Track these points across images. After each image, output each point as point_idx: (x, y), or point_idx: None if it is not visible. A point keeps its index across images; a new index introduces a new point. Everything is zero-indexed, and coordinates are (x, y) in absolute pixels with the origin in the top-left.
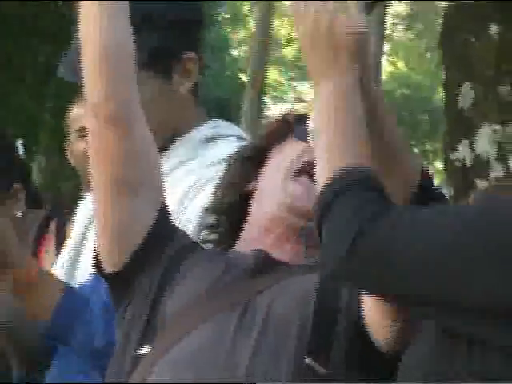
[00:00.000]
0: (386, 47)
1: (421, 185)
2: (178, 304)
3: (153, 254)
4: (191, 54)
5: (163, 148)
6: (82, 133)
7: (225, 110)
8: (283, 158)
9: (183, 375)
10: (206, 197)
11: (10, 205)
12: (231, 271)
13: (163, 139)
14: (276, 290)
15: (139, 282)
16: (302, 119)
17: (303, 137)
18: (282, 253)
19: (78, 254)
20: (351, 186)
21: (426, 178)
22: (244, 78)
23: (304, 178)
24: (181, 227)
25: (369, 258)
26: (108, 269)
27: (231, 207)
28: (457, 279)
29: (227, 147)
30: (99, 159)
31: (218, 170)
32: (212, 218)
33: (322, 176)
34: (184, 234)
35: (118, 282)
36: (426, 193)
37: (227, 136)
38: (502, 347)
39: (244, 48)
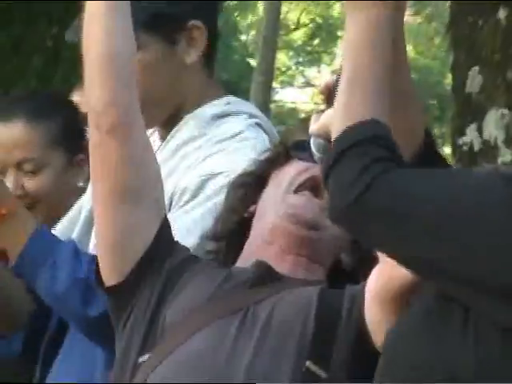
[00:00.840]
0: None
1: (425, 142)
2: (178, 313)
3: (154, 266)
4: (198, 23)
5: (173, 123)
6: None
7: (233, 94)
8: (284, 175)
9: (182, 378)
10: (206, 166)
11: (73, 173)
12: (231, 281)
13: (169, 110)
14: (276, 299)
15: (140, 293)
16: (301, 144)
17: (304, 159)
18: (283, 265)
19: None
20: (364, 141)
21: (430, 137)
22: (253, 62)
23: (305, 192)
24: (176, 197)
25: (372, 211)
26: (109, 282)
27: (231, 233)
28: (459, 244)
29: (238, 124)
30: (101, 168)
31: (226, 146)
32: (212, 245)
33: (338, 125)
34: (184, 247)
35: (119, 294)
36: (429, 151)
37: (238, 113)
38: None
39: (252, 33)
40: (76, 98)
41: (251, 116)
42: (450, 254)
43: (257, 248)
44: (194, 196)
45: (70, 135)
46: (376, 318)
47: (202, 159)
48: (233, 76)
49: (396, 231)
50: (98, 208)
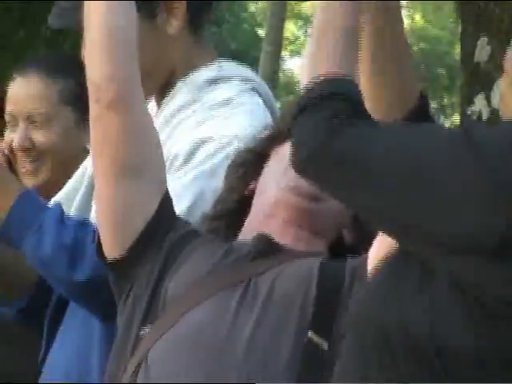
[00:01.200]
0: (404, 1)
1: (419, 104)
2: (179, 286)
3: (156, 240)
4: None
5: (166, 90)
6: None
7: (241, 63)
8: (285, 150)
9: (183, 350)
10: (198, 132)
11: (81, 134)
12: (233, 254)
13: (159, 81)
14: (278, 271)
15: (141, 267)
16: None
17: None
18: (285, 238)
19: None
20: (327, 95)
21: (425, 99)
22: (261, 32)
23: None
24: (168, 163)
25: (330, 161)
26: (110, 255)
27: (231, 212)
28: (406, 194)
29: (230, 89)
30: (102, 142)
31: (219, 112)
32: (212, 224)
33: (305, 78)
34: (185, 222)
35: (120, 268)
36: (421, 113)
37: (230, 78)
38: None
39: (261, 3)
40: None
41: (245, 80)
42: (397, 204)
43: (258, 223)
44: (185, 161)
45: (80, 97)
46: None
47: (194, 125)
48: (241, 46)
49: (349, 180)
50: (98, 182)
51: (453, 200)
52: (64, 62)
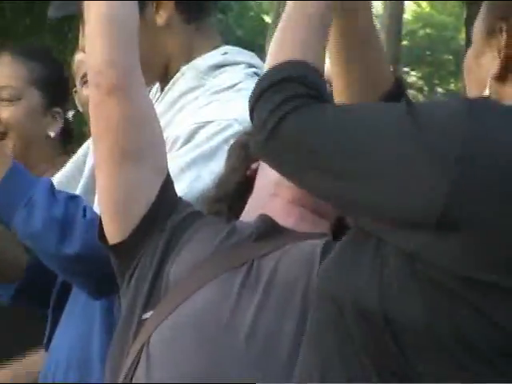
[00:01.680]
0: None
1: (393, 87)
2: (181, 269)
3: (157, 224)
4: None
5: (168, 76)
6: (86, 79)
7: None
8: None
9: (185, 334)
10: (198, 115)
11: (47, 121)
12: (235, 236)
13: (157, 72)
14: (281, 253)
15: (144, 251)
16: None
17: None
18: (288, 218)
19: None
20: (285, 79)
21: (400, 82)
22: (267, 19)
23: None
24: (168, 146)
25: (282, 143)
26: (112, 240)
27: (233, 193)
28: (353, 173)
29: (236, 75)
30: (102, 127)
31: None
32: (214, 207)
33: (268, 62)
34: (187, 204)
35: (123, 252)
36: (396, 95)
37: (236, 63)
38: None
39: None
40: (80, 56)
41: (249, 66)
42: (343, 182)
43: (261, 203)
44: (185, 144)
45: (51, 87)
46: None
47: (197, 110)
48: (248, 33)
49: (301, 162)
50: (99, 167)
51: (394, 174)
52: (40, 51)
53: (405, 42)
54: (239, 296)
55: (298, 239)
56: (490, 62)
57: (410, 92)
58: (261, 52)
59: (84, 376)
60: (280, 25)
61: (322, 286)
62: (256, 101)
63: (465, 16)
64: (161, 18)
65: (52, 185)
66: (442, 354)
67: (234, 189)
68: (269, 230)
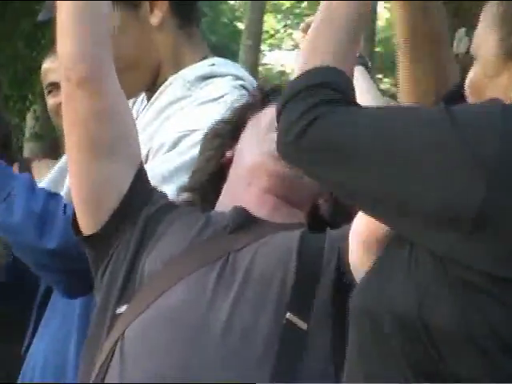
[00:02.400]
0: None
1: (454, 90)
2: (157, 262)
3: (131, 216)
4: None
5: (155, 84)
6: (52, 88)
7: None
8: (263, 117)
9: (159, 331)
10: (184, 123)
11: None
12: (210, 227)
13: (148, 73)
14: (256, 246)
15: (117, 243)
16: (278, 89)
17: None
18: (262, 208)
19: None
20: (315, 84)
21: (461, 86)
22: (241, 25)
23: None
24: (152, 154)
25: (312, 146)
26: (86, 231)
27: (208, 183)
28: (399, 178)
29: (223, 86)
30: (73, 120)
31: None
32: (188, 196)
33: (299, 66)
34: (162, 195)
35: (96, 244)
36: (456, 98)
37: (223, 75)
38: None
39: None
40: (47, 65)
41: (236, 78)
42: (376, 182)
43: (235, 191)
44: (169, 151)
45: None
46: (361, 260)
47: (182, 119)
48: (221, 39)
49: (332, 164)
50: (71, 160)
51: (429, 174)
52: None
53: (378, 49)
54: (215, 291)
55: (273, 231)
56: (509, 83)
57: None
58: (234, 58)
59: (60, 380)
60: (314, 24)
61: (358, 304)
62: (285, 105)
63: None
64: (155, 18)
65: (32, 180)
66: (478, 355)
67: (208, 178)
68: (244, 222)
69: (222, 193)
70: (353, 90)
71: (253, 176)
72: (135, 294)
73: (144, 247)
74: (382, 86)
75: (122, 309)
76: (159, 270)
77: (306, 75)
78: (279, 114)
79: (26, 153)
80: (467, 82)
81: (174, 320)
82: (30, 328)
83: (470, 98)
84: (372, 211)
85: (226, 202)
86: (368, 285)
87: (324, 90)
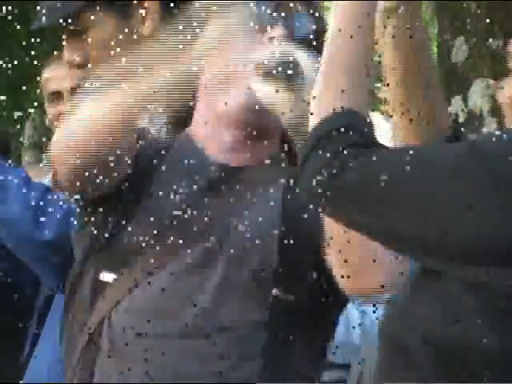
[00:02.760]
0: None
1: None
2: (139, 232)
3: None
4: None
5: None
6: (54, 97)
7: None
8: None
9: (149, 311)
10: None
11: None
12: (192, 183)
13: None
14: (239, 213)
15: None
16: None
17: None
18: (241, 151)
19: None
20: (337, 129)
21: (458, 133)
22: None
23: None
24: None
25: (342, 192)
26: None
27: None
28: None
29: None
30: None
31: None
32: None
33: (313, 116)
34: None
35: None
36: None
37: None
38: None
39: None
40: (47, 74)
41: None
42: (409, 225)
43: (213, 130)
44: None
45: None
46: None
47: None
48: None
49: (363, 210)
50: None
51: (458, 212)
52: None
53: (376, 58)
54: (201, 268)
55: (254, 185)
56: None
57: (382, 107)
58: None
59: None
60: (321, 68)
61: (387, 332)
62: (310, 152)
63: (436, 30)
64: (146, 28)
65: (27, 174)
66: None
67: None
68: (223, 180)
69: (194, 120)
70: (372, 129)
71: (229, 124)
72: (122, 273)
73: (126, 213)
74: (381, 95)
75: (106, 276)
76: (144, 245)
77: (325, 122)
78: (303, 163)
79: (25, 161)
80: (506, 97)
81: (163, 299)
82: (28, 337)
83: (508, 113)
84: (403, 251)
85: (201, 129)
86: (397, 313)
87: (346, 134)
